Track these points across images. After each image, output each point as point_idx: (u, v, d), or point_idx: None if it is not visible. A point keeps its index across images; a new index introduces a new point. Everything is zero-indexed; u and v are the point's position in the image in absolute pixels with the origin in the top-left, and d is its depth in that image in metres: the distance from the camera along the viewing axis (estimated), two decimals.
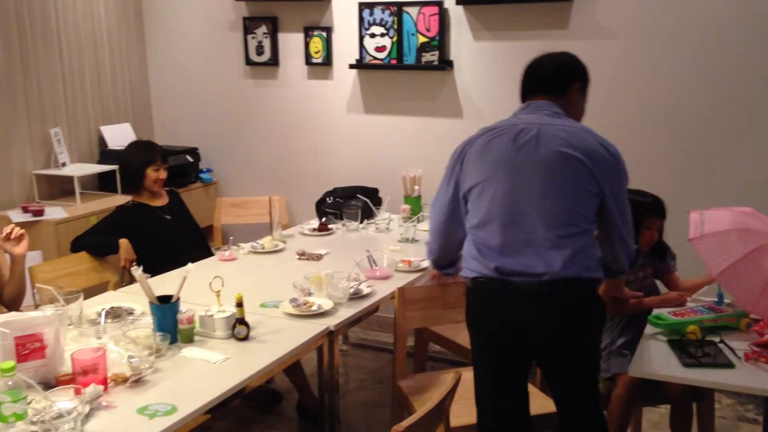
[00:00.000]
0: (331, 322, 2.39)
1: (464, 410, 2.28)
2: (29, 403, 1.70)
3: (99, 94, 4.37)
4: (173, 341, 2.18)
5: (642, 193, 2.62)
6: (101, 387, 1.85)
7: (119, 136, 4.37)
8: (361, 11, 3.95)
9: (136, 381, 1.93)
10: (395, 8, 3.87)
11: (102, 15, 4.36)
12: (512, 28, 3.73)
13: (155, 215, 3.38)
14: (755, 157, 3.35)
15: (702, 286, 2.60)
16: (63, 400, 1.73)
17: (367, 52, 4.00)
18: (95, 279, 3.17)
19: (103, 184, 4.22)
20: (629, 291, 2.48)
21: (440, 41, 3.83)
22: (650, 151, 3.50)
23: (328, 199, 3.84)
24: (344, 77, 4.16)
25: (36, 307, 2.63)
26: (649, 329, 2.33)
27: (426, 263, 2.96)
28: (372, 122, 4.16)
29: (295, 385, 3.25)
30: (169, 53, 4.63)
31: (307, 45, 4.18)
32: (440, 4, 3.79)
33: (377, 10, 3.92)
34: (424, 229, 3.51)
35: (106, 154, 4.25)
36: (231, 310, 2.28)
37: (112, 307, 2.44)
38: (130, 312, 2.42)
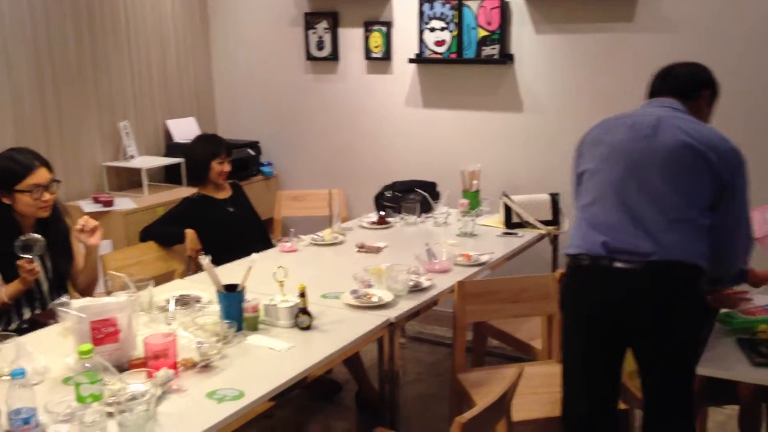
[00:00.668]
0: (391, 314, 2.41)
1: (526, 405, 2.28)
2: (105, 385, 1.77)
3: (165, 89, 4.50)
4: (239, 329, 2.24)
5: None
6: (172, 371, 1.91)
7: (184, 129, 4.49)
8: (421, 5, 3.96)
9: (205, 366, 1.99)
10: (455, 2, 3.86)
11: (169, 12, 4.49)
12: (575, 21, 3.68)
13: (219, 207, 3.46)
14: None
15: None
16: (136, 382, 1.80)
17: (427, 47, 4.00)
18: (162, 268, 3.26)
19: (168, 176, 4.35)
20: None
21: (501, 35, 3.80)
22: None
23: (386, 192, 3.86)
24: (403, 72, 4.17)
25: (108, 293, 2.74)
26: (718, 327, 2.28)
27: (486, 257, 2.96)
28: (431, 116, 4.17)
29: (353, 376, 3.29)
30: (232, 49, 4.72)
31: (366, 40, 4.21)
32: None
33: (437, 4, 3.91)
34: (482, 223, 3.51)
35: (171, 147, 4.38)
36: (294, 300, 2.32)
37: (180, 295, 2.51)
38: (198, 300, 2.49)
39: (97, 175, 4.10)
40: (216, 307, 2.32)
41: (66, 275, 2.71)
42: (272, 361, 2.07)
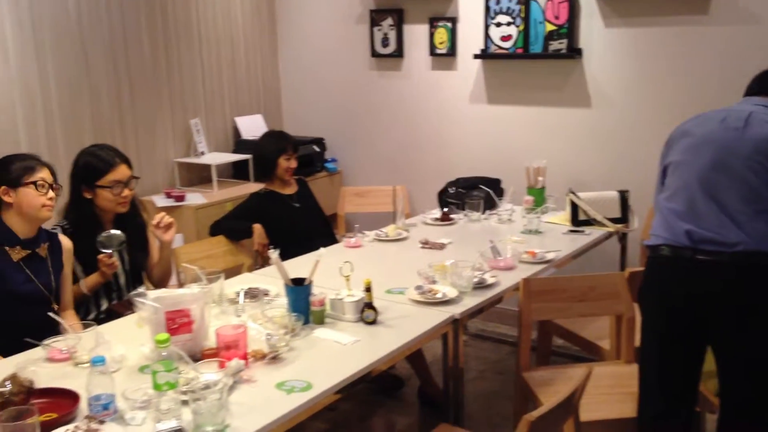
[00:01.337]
0: (455, 310, 2.41)
1: (593, 405, 2.24)
2: (179, 373, 1.83)
3: (234, 87, 4.61)
4: (306, 322, 2.28)
5: None
6: (242, 362, 1.96)
7: (252, 126, 4.59)
8: (487, 0, 3.93)
9: (274, 358, 2.04)
10: None
11: (238, 12, 4.59)
12: (647, 14, 3.58)
13: (285, 203, 3.53)
14: None
15: None
16: (209, 372, 1.86)
17: (492, 42, 3.97)
18: (231, 261, 3.35)
19: (236, 172, 4.45)
20: None
21: (569, 29, 3.74)
22: None
23: (450, 189, 3.85)
24: (468, 67, 4.15)
25: (180, 285, 2.83)
26: None
27: (552, 255, 2.92)
28: (495, 112, 4.13)
29: (416, 372, 3.31)
30: (298, 47, 4.80)
31: (431, 36, 4.21)
32: None
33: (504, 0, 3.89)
34: (548, 221, 3.46)
35: (240, 144, 4.48)
36: (359, 294, 2.35)
37: (249, 288, 2.57)
38: (266, 293, 2.55)
39: (169, 170, 4.23)
40: (283, 300, 2.37)
41: (142, 268, 2.82)
42: (338, 355, 2.10)
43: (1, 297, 2.30)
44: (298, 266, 2.49)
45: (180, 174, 4.25)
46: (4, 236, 2.33)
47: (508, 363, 3.73)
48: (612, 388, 2.45)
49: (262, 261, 3.37)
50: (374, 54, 4.45)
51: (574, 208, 3.39)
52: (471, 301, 2.49)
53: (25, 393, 1.73)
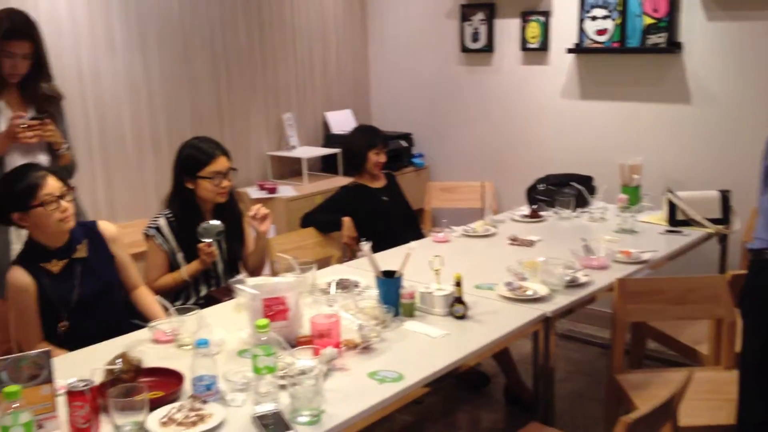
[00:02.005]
0: (547, 308, 2.37)
1: (691, 411, 2.17)
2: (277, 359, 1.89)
3: (325, 83, 4.69)
4: (396, 314, 2.30)
5: None
6: (336, 350, 2.00)
7: (341, 121, 4.66)
8: None
9: (365, 348, 2.07)
10: None
11: (331, 8, 4.67)
12: (753, 7, 3.42)
13: (374, 196, 3.57)
14: None
15: None
16: (304, 358, 1.91)
17: (587, 36, 3.88)
18: (320, 253, 3.42)
19: (325, 165, 4.54)
20: None
21: (669, 22, 3.61)
22: None
23: (539, 185, 3.79)
24: (561, 62, 4.08)
25: (273, 274, 2.92)
26: None
27: (648, 255, 2.84)
28: (588, 108, 4.04)
29: (502, 369, 3.28)
30: (387, 43, 4.83)
31: (523, 30, 4.15)
32: None
33: None
34: (643, 220, 3.36)
35: (329, 138, 4.56)
36: (449, 288, 2.36)
37: (340, 279, 2.62)
38: (356, 284, 2.59)
39: (262, 163, 4.36)
40: (373, 292, 2.41)
41: (238, 257, 2.92)
42: (428, 348, 2.11)
43: (51, 310, 2.29)
44: (387, 259, 2.51)
45: (272, 167, 4.37)
46: (37, 254, 2.29)
47: (596, 365, 3.65)
48: (710, 394, 2.36)
49: (350, 254, 3.42)
50: (464, 49, 4.43)
51: (672, 207, 3.27)
52: (563, 300, 2.45)
53: (134, 371, 1.82)
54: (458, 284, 2.32)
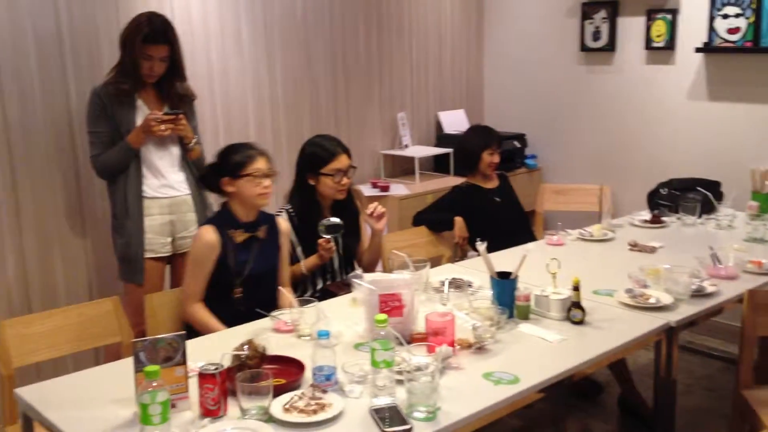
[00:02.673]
0: (671, 318, 2.28)
1: None
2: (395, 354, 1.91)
3: (439, 83, 4.71)
4: (510, 316, 2.28)
5: None
6: (450, 349, 2.01)
7: (454, 121, 4.66)
8: None
9: (479, 348, 2.06)
10: None
11: (447, 10, 4.68)
12: None
13: (486, 197, 3.54)
14: None
15: None
16: (420, 355, 1.92)
17: (717, 35, 3.69)
18: (432, 252, 3.43)
19: (437, 165, 4.55)
20: None
21: None
22: None
23: (662, 190, 3.64)
24: (688, 62, 3.90)
25: (387, 271, 2.96)
26: None
27: None
28: (717, 110, 3.84)
29: (617, 378, 3.18)
30: (503, 42, 4.78)
31: (648, 28, 4.00)
32: None
33: None
34: None
35: (442, 138, 4.58)
36: (566, 292, 2.31)
37: (453, 278, 2.63)
38: (470, 284, 2.58)
39: (375, 161, 4.43)
40: (487, 293, 2.39)
41: (354, 253, 2.98)
42: (545, 352, 2.08)
43: (227, 275, 2.51)
44: (501, 260, 2.49)
45: (385, 165, 4.43)
46: (229, 221, 2.52)
47: (719, 380, 3.46)
48: None
49: (461, 253, 3.41)
50: (583, 48, 4.32)
51: None
52: (688, 310, 2.34)
53: (259, 358, 1.90)
54: (576, 288, 2.26)
